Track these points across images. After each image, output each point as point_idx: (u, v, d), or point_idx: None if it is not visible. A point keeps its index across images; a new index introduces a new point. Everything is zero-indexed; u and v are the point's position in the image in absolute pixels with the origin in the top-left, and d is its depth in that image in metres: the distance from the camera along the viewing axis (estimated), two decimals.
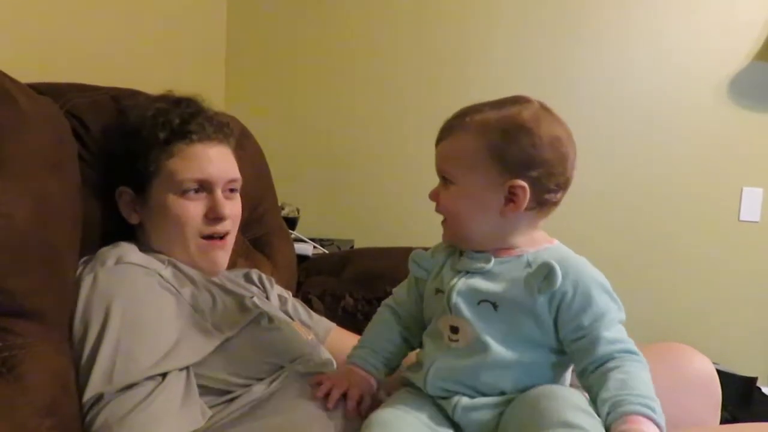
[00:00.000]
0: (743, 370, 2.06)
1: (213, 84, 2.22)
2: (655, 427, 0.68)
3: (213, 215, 1.03)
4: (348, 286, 1.46)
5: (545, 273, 0.78)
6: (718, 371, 1.17)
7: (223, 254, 1.07)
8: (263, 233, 1.51)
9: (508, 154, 0.80)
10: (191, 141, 1.03)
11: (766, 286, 2.21)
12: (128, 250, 0.98)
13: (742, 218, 2.19)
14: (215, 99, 2.10)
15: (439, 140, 0.86)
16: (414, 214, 2.26)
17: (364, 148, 2.31)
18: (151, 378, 0.82)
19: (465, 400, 0.80)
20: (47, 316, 0.80)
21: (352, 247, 2.14)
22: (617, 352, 0.75)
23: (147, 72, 1.62)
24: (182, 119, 1.04)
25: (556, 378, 0.82)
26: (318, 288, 1.47)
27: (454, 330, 0.82)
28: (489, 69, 2.26)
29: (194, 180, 1.02)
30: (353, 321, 1.34)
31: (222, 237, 1.06)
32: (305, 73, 2.31)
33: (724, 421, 1.15)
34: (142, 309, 0.89)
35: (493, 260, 0.83)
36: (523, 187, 0.80)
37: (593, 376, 0.76)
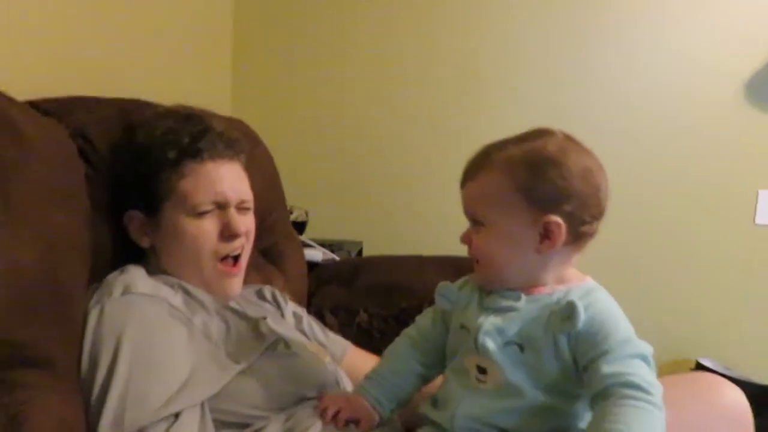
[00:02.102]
0: (759, 377, 2.04)
1: (219, 86, 2.17)
2: None
3: (228, 233, 1.00)
4: (361, 299, 1.43)
5: (567, 312, 0.75)
6: (734, 379, 1.15)
7: (237, 282, 1.04)
8: (273, 242, 1.47)
9: (538, 190, 0.77)
10: (202, 160, 1.00)
11: None
12: (136, 277, 0.94)
13: (758, 222, 2.15)
14: (221, 101, 2.09)
15: (464, 182, 0.84)
16: (422, 214, 2.25)
17: (372, 149, 2.27)
18: (164, 419, 0.79)
19: None
20: (57, 364, 0.77)
21: (361, 249, 2.11)
22: (610, 387, 0.70)
23: (152, 78, 1.58)
24: (192, 137, 1.00)
25: (585, 422, 0.79)
26: (330, 301, 1.44)
27: (482, 370, 0.80)
28: (500, 69, 2.21)
29: (208, 202, 0.99)
30: (368, 338, 1.31)
31: (236, 259, 1.03)
32: (312, 75, 2.26)
33: None
34: (153, 343, 0.86)
35: (523, 298, 0.80)
36: (557, 223, 0.77)
37: (591, 416, 0.73)
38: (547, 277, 0.81)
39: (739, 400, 0.97)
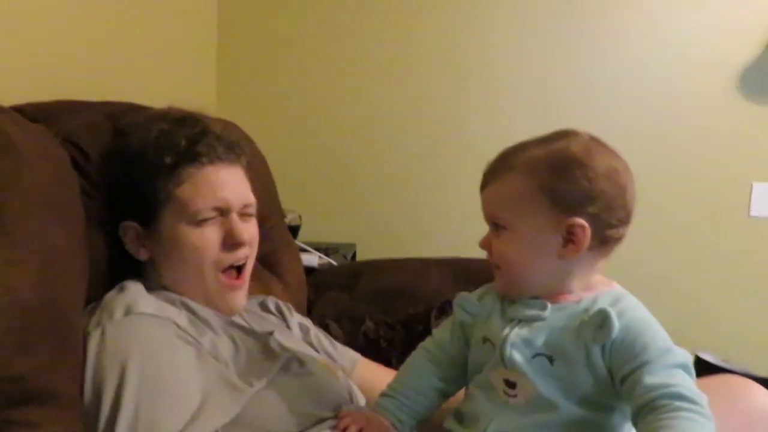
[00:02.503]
0: (756, 369, 2.04)
1: (204, 88, 2.11)
2: None
3: (231, 241, 0.93)
4: (365, 306, 1.38)
5: (600, 322, 0.72)
6: (732, 371, 1.14)
7: (241, 295, 0.98)
8: (271, 250, 1.41)
9: (562, 192, 0.74)
10: (201, 164, 0.93)
11: None
12: (137, 296, 0.87)
13: (752, 214, 2.15)
14: (206, 104, 2.01)
15: (485, 185, 0.81)
16: (416, 216, 2.22)
17: (364, 150, 2.22)
18: None
19: None
20: (59, 396, 0.71)
21: (355, 252, 2.06)
22: (658, 399, 0.67)
23: (135, 80, 1.52)
24: (189, 140, 0.93)
25: None
26: (332, 309, 1.39)
27: (511, 385, 0.76)
28: (491, 67, 2.17)
29: (209, 208, 0.92)
30: (376, 348, 1.27)
31: (240, 270, 0.97)
32: (300, 75, 2.20)
33: None
34: (161, 368, 0.79)
35: (549, 307, 0.77)
36: (582, 226, 0.74)
37: (638, 430, 0.69)
38: (572, 284, 0.78)
39: (766, 401, 0.95)
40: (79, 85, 1.19)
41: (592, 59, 2.16)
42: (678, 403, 0.66)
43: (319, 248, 1.85)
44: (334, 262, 1.79)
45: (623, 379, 0.71)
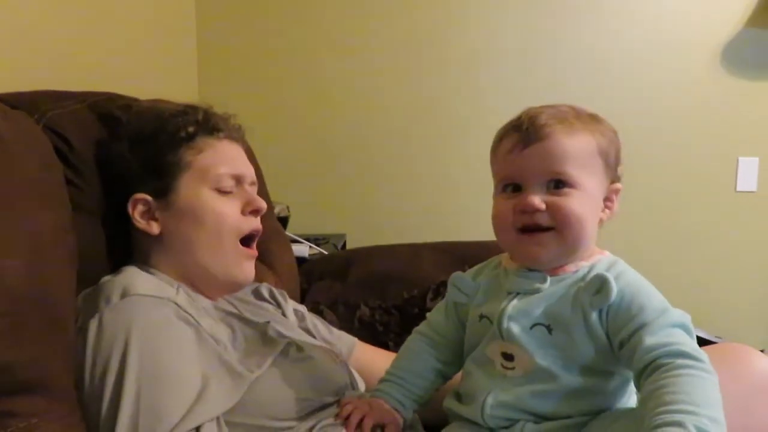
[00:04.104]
0: (747, 343, 2.06)
1: (185, 77, 2.07)
2: None
3: (251, 207, 0.96)
4: (358, 292, 1.37)
5: (598, 286, 0.72)
6: None
7: (253, 266, 1.00)
8: (262, 240, 1.39)
9: (611, 156, 0.77)
10: (219, 137, 0.97)
11: (764, 255, 2.21)
12: (134, 277, 0.86)
13: (738, 189, 2.17)
14: (188, 93, 1.98)
15: (539, 139, 0.75)
16: (406, 204, 2.21)
17: (351, 141, 2.22)
18: None
19: (531, 426, 0.75)
20: (53, 386, 0.69)
21: (345, 242, 2.05)
22: (660, 358, 0.67)
23: (117, 71, 1.49)
24: (206, 114, 0.98)
25: (623, 399, 0.77)
26: (326, 296, 1.38)
27: (508, 357, 0.76)
28: (471, 49, 2.17)
29: (230, 175, 0.95)
30: (373, 332, 1.25)
31: (254, 240, 1.00)
32: (285, 64, 2.19)
33: None
34: (161, 350, 0.78)
35: (549, 279, 0.77)
36: (618, 191, 0.78)
37: (642, 391, 0.68)
38: (590, 250, 0.78)
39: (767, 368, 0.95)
40: (59, 76, 1.16)
41: (575, 39, 2.16)
42: (680, 361, 0.65)
43: (309, 239, 1.83)
44: (326, 252, 1.77)
45: (622, 343, 0.71)
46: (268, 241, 1.43)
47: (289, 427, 0.81)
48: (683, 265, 2.21)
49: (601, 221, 0.78)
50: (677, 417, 0.59)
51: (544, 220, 0.75)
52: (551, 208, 0.74)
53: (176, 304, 0.83)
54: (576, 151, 0.75)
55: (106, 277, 0.86)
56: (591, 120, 0.78)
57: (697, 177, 2.19)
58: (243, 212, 0.96)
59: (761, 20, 2.05)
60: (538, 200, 0.74)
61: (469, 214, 2.05)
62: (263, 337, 0.91)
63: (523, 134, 0.75)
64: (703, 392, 0.63)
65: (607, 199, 0.78)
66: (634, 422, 0.66)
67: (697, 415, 0.59)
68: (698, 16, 2.11)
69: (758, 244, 2.21)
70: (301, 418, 0.83)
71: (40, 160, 0.77)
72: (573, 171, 0.74)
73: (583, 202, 0.75)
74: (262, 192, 1.45)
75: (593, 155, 0.76)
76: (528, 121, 0.76)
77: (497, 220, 0.79)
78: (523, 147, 0.75)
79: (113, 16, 1.53)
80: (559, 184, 0.75)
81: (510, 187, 0.78)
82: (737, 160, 2.16)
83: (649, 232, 2.20)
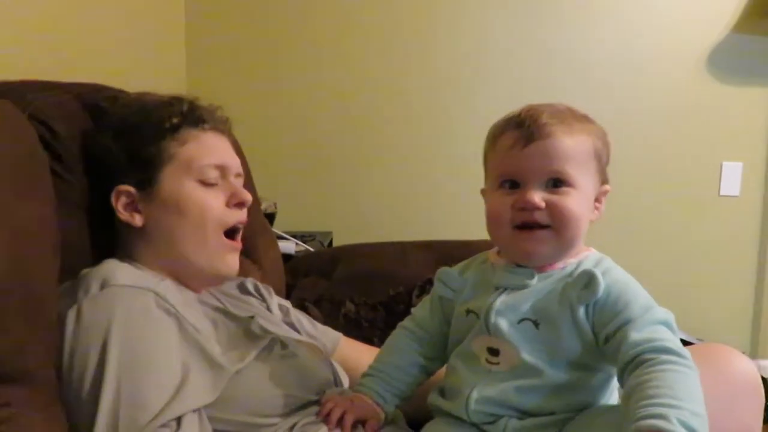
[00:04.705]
0: (729, 346, 2.08)
1: (174, 71, 2.06)
2: None
3: (236, 200, 0.95)
4: (344, 289, 1.37)
5: (585, 281, 0.73)
6: None
7: (237, 258, 0.99)
8: (247, 235, 1.38)
9: (603, 157, 0.79)
10: (204, 129, 0.96)
11: (747, 260, 2.23)
12: (114, 268, 0.85)
13: (722, 193, 2.19)
14: (177, 88, 1.97)
15: (542, 137, 0.75)
16: (392, 204, 2.21)
17: (339, 138, 2.21)
18: (164, 426, 0.71)
19: (514, 422, 0.75)
20: (34, 376, 0.68)
21: (332, 240, 2.05)
22: (644, 353, 0.68)
23: (105, 64, 1.48)
24: (191, 106, 0.97)
25: (605, 396, 0.78)
26: (311, 293, 1.38)
27: (494, 352, 0.77)
28: (458, 51, 2.18)
29: (213, 166, 0.94)
30: (357, 328, 1.25)
31: (238, 233, 0.99)
32: (273, 60, 2.18)
33: None
34: (142, 340, 0.77)
35: (536, 276, 0.78)
36: (607, 192, 0.80)
37: (626, 385, 0.69)
38: (577, 248, 0.79)
39: (749, 369, 0.96)
40: (46, 67, 1.15)
41: (561, 43, 2.17)
42: (664, 356, 0.66)
43: (295, 236, 1.83)
44: (312, 249, 1.77)
45: (607, 338, 0.72)
46: (254, 236, 1.43)
47: (272, 424, 0.81)
48: (666, 268, 2.23)
49: (590, 221, 0.79)
50: (661, 410, 0.60)
51: (542, 218, 0.76)
52: (550, 207, 0.75)
53: (156, 294, 0.83)
54: (575, 151, 0.76)
55: (86, 270, 0.86)
56: (586, 120, 0.79)
57: (681, 181, 2.21)
58: (228, 204, 0.95)
59: (747, 26, 2.07)
60: (538, 198, 0.75)
61: (455, 213, 2.06)
62: (247, 331, 0.90)
63: (525, 131, 0.76)
64: (686, 387, 0.64)
65: (596, 200, 0.79)
66: (617, 418, 0.67)
67: (680, 409, 0.60)
68: (684, 21, 2.13)
69: (740, 248, 2.23)
70: (285, 415, 0.82)
71: (24, 150, 0.76)
72: (572, 171, 0.75)
73: (580, 202, 0.76)
74: (249, 187, 1.44)
75: (590, 156, 0.77)
76: (530, 118, 0.76)
77: (494, 216, 0.79)
78: (525, 144, 0.75)
79: (102, 8, 1.52)
80: (557, 182, 0.76)
81: (508, 183, 0.78)
82: (721, 165, 2.19)
83: (632, 235, 2.22)
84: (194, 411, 0.75)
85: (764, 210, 2.21)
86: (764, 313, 2.25)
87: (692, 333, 2.17)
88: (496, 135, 0.80)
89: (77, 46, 1.38)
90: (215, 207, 0.93)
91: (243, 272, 1.28)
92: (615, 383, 0.79)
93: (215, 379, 0.79)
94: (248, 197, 0.96)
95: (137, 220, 0.92)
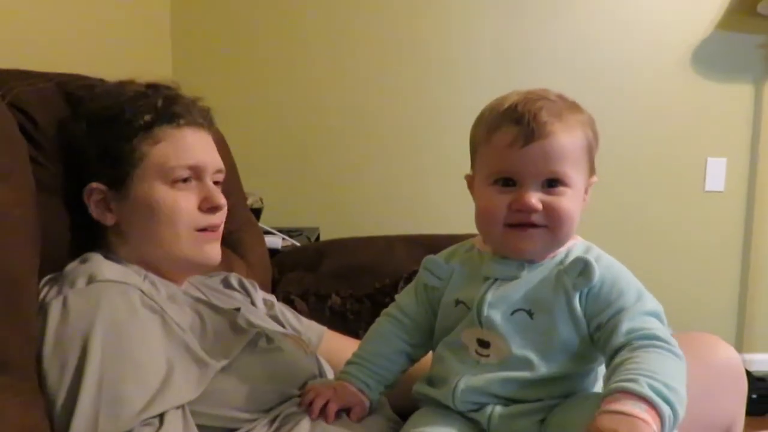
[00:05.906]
0: None
1: (159, 63, 2.04)
2: (646, 406, 0.60)
3: (208, 205, 0.92)
4: (330, 283, 1.36)
5: (581, 268, 0.73)
6: None
7: (217, 247, 0.96)
8: (233, 229, 1.38)
9: (594, 149, 0.78)
10: (178, 125, 0.91)
11: (732, 255, 2.25)
12: (100, 264, 0.84)
13: (707, 188, 2.21)
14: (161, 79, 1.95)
15: (541, 136, 0.73)
16: (379, 199, 2.21)
17: (327, 133, 2.21)
18: (146, 423, 0.70)
19: (500, 409, 0.75)
20: (12, 364, 0.67)
21: (319, 235, 2.04)
22: (634, 340, 0.68)
23: (90, 54, 1.46)
24: (166, 100, 0.92)
25: (591, 383, 0.78)
26: (297, 286, 1.37)
27: (484, 344, 0.76)
28: (450, 46, 2.18)
29: (186, 167, 0.90)
30: (343, 321, 1.25)
31: (215, 229, 0.95)
32: (260, 54, 2.17)
33: None
34: (126, 336, 0.76)
35: (527, 266, 0.77)
36: (593, 183, 0.79)
37: (610, 367, 0.69)
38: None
39: (733, 357, 0.97)
40: (30, 56, 1.13)
41: (546, 38, 2.18)
42: (650, 342, 0.67)
43: (282, 231, 1.82)
44: (298, 244, 1.76)
45: (599, 326, 0.72)
46: (240, 231, 1.42)
47: (256, 419, 0.80)
48: (651, 264, 2.23)
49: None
50: (633, 376, 0.62)
51: (538, 219, 0.74)
52: (546, 209, 0.74)
53: (142, 291, 0.82)
54: (572, 149, 0.74)
55: (72, 264, 0.84)
56: (577, 110, 0.78)
57: (666, 176, 2.22)
58: (200, 208, 0.92)
59: (731, 23, 2.09)
60: (536, 200, 0.73)
61: (442, 208, 2.06)
62: (232, 325, 0.89)
63: (525, 130, 0.73)
64: (667, 366, 0.64)
65: (584, 191, 0.78)
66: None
67: (654, 379, 0.61)
68: (669, 18, 2.14)
69: (725, 243, 2.25)
70: (268, 410, 0.82)
71: (4, 135, 0.74)
72: (569, 170, 0.74)
73: (575, 200, 0.75)
74: (235, 181, 1.43)
75: (584, 151, 0.76)
76: (529, 114, 0.73)
77: (487, 213, 0.77)
78: (524, 143, 0.73)
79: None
80: (554, 182, 0.74)
81: (502, 180, 0.76)
82: (706, 161, 2.20)
83: (617, 230, 2.23)
84: (178, 408, 0.74)
85: (749, 205, 2.23)
86: (749, 308, 2.27)
87: (678, 328, 2.17)
88: (491, 128, 0.76)
89: (61, 36, 1.37)
90: (186, 210, 0.90)
91: (229, 267, 1.28)
92: (602, 370, 0.78)
93: (200, 376, 0.78)
94: (221, 201, 0.93)
95: (109, 219, 0.90)
